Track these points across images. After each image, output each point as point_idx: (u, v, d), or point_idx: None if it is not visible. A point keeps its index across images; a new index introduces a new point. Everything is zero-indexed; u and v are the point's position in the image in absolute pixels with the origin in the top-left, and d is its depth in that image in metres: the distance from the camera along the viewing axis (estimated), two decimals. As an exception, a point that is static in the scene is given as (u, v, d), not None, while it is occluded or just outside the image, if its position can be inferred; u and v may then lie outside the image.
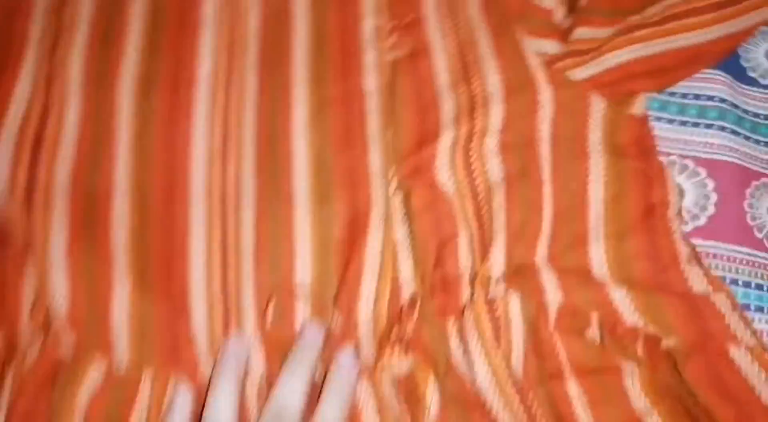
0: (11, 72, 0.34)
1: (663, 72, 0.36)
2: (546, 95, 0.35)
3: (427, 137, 0.35)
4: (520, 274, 0.32)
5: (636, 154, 0.35)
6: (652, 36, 0.35)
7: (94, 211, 0.32)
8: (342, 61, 0.37)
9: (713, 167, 0.37)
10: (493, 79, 0.36)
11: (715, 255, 0.35)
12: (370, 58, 0.36)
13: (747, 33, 0.37)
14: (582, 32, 0.36)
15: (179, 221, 0.33)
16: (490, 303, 0.31)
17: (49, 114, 0.34)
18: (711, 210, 0.36)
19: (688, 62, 0.36)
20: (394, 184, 0.34)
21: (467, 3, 0.38)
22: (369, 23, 0.37)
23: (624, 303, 0.31)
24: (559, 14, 0.38)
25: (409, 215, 0.33)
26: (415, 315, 0.31)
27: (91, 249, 0.31)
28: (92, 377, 0.29)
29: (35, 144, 0.33)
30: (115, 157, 0.33)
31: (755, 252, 0.35)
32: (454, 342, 0.30)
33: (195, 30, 0.37)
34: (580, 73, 0.36)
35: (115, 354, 0.30)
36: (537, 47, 0.36)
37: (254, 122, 0.35)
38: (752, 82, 0.39)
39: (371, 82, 0.36)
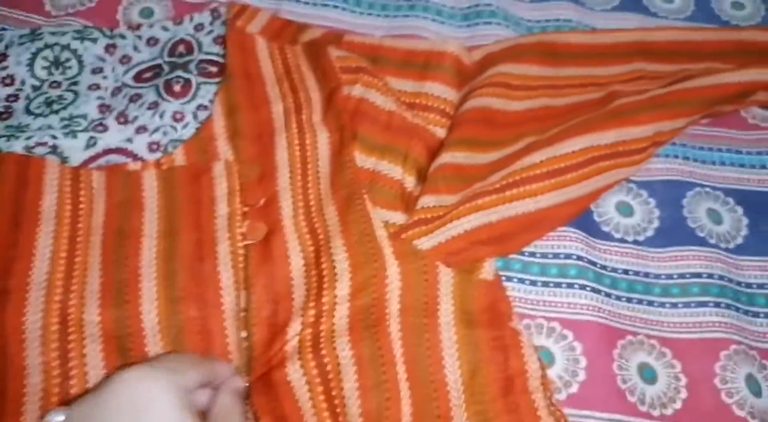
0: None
1: (506, 238, 0.36)
2: (393, 270, 0.34)
3: (277, 332, 0.33)
4: None
5: (488, 321, 0.34)
6: (493, 203, 0.35)
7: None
8: (194, 252, 0.35)
9: (579, 329, 0.36)
10: (340, 257, 0.34)
11: (590, 426, 0.33)
12: (223, 248, 0.35)
13: (591, 198, 0.38)
14: (427, 200, 0.36)
15: None
16: None
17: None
18: (582, 376, 0.35)
19: (530, 227, 0.36)
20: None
21: (319, 178, 0.38)
22: (222, 209, 0.36)
23: None
24: (409, 184, 0.38)
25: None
26: None
27: None
28: None
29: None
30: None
31: (630, 418, 0.33)
32: None
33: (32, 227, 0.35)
34: (426, 243, 0.35)
35: None
36: (384, 218, 0.36)
37: (100, 326, 0.33)
38: (607, 237, 0.39)
39: (226, 276, 0.34)
